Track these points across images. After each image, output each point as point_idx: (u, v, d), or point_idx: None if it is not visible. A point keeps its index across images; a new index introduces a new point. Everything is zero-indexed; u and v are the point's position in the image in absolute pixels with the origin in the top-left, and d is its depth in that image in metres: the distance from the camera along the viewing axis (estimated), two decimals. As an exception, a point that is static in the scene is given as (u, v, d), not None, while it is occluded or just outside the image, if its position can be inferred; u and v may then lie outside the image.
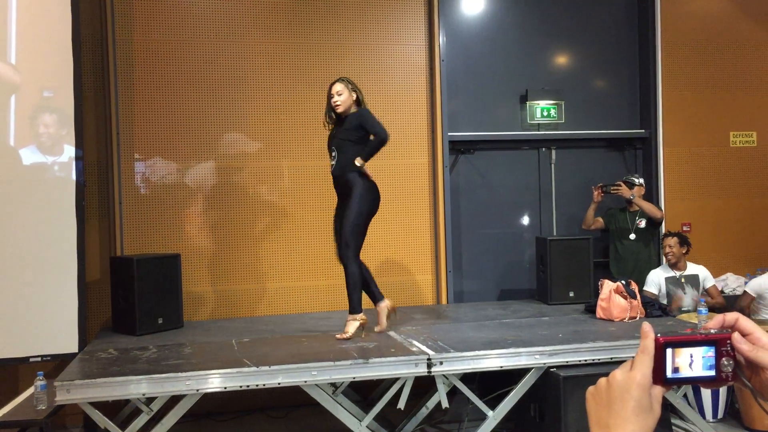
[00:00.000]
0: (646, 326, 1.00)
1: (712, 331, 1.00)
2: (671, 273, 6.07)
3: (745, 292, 5.97)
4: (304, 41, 6.29)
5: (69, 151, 5.26)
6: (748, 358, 0.97)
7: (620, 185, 6.42)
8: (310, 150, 6.27)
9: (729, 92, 7.19)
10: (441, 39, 6.48)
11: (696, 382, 1.00)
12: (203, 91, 6.08)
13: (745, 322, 0.99)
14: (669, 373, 0.98)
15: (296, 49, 6.27)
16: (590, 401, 1.02)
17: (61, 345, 5.14)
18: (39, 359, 5.11)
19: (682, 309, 5.96)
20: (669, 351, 0.98)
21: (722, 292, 6.48)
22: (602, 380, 1.01)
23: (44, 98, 5.25)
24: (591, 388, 1.03)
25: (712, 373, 0.98)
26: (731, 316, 1.01)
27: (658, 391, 0.98)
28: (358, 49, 6.40)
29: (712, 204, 7.15)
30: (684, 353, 0.98)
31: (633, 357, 1.00)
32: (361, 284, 4.95)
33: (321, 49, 6.32)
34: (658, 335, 0.98)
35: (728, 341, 0.98)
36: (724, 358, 0.98)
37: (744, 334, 0.99)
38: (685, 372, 0.98)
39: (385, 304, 5.06)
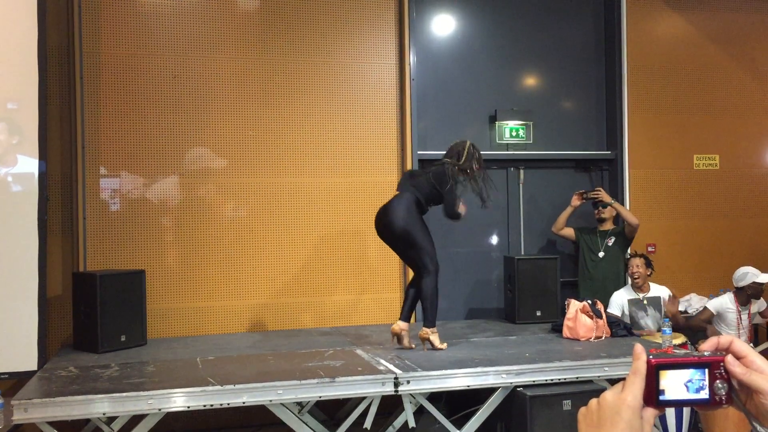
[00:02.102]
0: (639, 348, 0.99)
1: (706, 353, 0.98)
2: (634, 295, 6.10)
3: (705, 308, 6.04)
4: (273, 58, 6.28)
5: (32, 165, 5.17)
6: (742, 381, 0.96)
7: (600, 190, 6.53)
8: (277, 167, 6.25)
9: (693, 116, 7.34)
10: (411, 58, 6.52)
11: (689, 405, 0.98)
12: (170, 106, 6.03)
13: (739, 345, 0.98)
14: (661, 395, 0.96)
15: (265, 65, 6.26)
16: (581, 422, 1.01)
17: (19, 362, 5.01)
18: (-4, 377, 4.97)
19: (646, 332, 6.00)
20: (660, 373, 0.96)
21: (685, 312, 6.56)
22: (593, 401, 1.00)
23: (8, 110, 5.16)
24: (582, 409, 1.01)
25: (706, 395, 0.97)
26: (725, 339, 0.99)
27: (650, 413, 0.97)
28: (329, 66, 6.40)
29: (676, 225, 7.26)
30: (676, 375, 0.97)
31: (624, 378, 0.99)
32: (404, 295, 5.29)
33: (291, 65, 6.31)
34: (650, 357, 0.97)
35: (722, 364, 0.97)
36: (717, 381, 0.96)
37: (738, 357, 0.98)
38: (678, 394, 0.97)
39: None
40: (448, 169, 5.04)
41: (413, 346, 5.06)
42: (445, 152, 5.27)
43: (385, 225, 5.02)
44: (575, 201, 6.52)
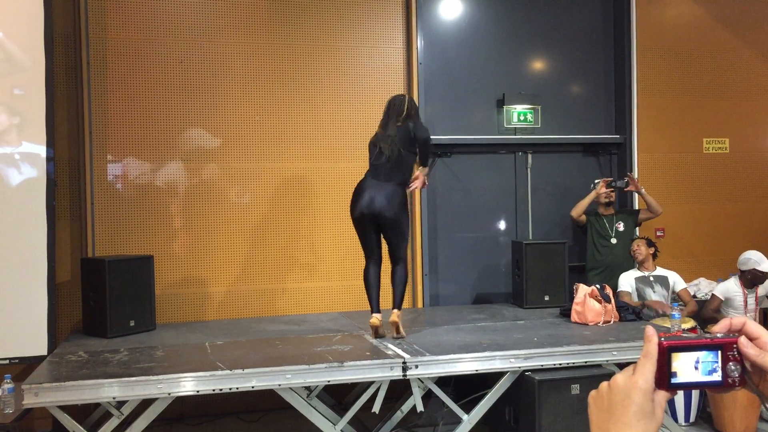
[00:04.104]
0: (650, 330, 0.98)
1: (719, 335, 0.97)
2: (640, 273, 6.16)
3: (713, 295, 6.05)
4: (280, 41, 6.25)
5: (40, 150, 5.17)
6: (755, 363, 0.95)
7: (629, 176, 6.55)
8: (284, 152, 6.24)
9: (703, 99, 7.28)
10: (419, 42, 6.48)
11: (701, 387, 0.97)
12: (177, 91, 6.02)
13: (752, 326, 0.97)
14: (673, 378, 0.95)
15: (272, 49, 6.23)
16: (592, 405, 1.00)
17: (29, 347, 5.04)
18: (7, 362, 5.01)
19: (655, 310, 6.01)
20: (672, 355, 0.95)
21: (695, 296, 6.54)
22: (604, 384, 0.99)
23: (15, 96, 5.16)
24: (593, 392, 1.01)
25: (719, 378, 0.96)
26: (738, 320, 0.98)
27: (661, 396, 0.96)
28: (336, 50, 6.37)
29: (685, 209, 7.22)
30: (688, 358, 0.96)
31: (635, 362, 0.98)
32: (367, 287, 5.03)
33: (297, 49, 6.28)
34: (662, 339, 0.96)
35: (735, 346, 0.96)
36: (731, 363, 0.95)
37: (751, 338, 0.96)
38: (690, 377, 0.96)
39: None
40: (424, 130, 5.14)
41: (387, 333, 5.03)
42: (393, 113, 5.07)
43: (379, 211, 4.85)
44: (602, 188, 6.47)
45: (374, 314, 4.95)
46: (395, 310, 4.94)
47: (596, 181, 6.63)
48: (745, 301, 5.92)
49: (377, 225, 4.95)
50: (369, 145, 5.14)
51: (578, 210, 6.52)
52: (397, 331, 4.93)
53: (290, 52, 6.27)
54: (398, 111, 5.05)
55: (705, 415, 5.66)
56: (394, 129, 4.99)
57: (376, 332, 4.95)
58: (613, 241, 6.45)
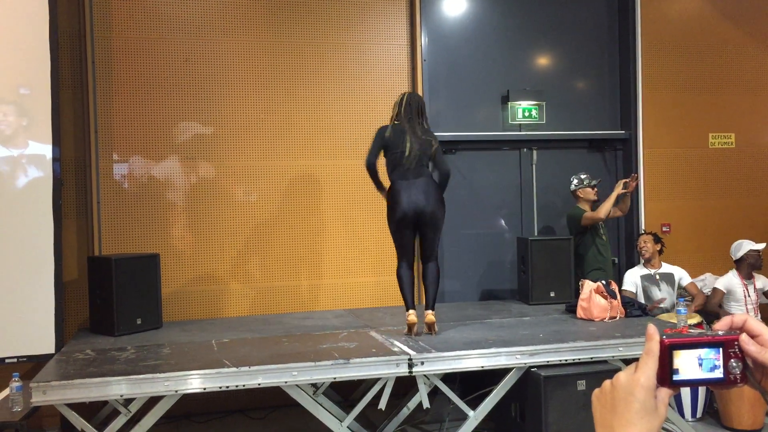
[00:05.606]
0: (651, 328, 0.99)
1: (720, 332, 0.98)
2: (646, 271, 6.15)
3: (715, 288, 6.04)
4: (285, 39, 6.26)
5: (46, 149, 5.19)
6: (757, 360, 0.96)
7: (634, 176, 6.50)
8: (289, 150, 6.25)
9: (708, 94, 7.26)
10: (423, 39, 6.47)
11: (704, 384, 0.98)
12: (182, 90, 6.03)
13: (753, 324, 0.98)
14: (675, 375, 0.96)
15: (277, 47, 6.24)
16: (595, 403, 1.01)
17: (37, 346, 5.07)
18: (15, 360, 5.03)
19: (661, 306, 6.01)
20: (674, 353, 0.96)
21: (701, 291, 6.53)
22: (607, 382, 1.00)
23: (20, 95, 5.18)
24: (596, 391, 1.02)
25: (720, 375, 0.96)
26: (739, 318, 0.99)
27: (664, 393, 0.96)
28: (340, 47, 6.37)
29: (691, 205, 7.20)
30: (690, 355, 0.97)
31: (638, 358, 0.98)
32: (403, 286, 5.00)
33: (302, 47, 6.29)
34: (663, 337, 0.97)
35: (736, 343, 0.96)
36: (732, 360, 0.96)
37: (752, 336, 0.97)
38: (692, 374, 0.97)
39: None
40: (447, 166, 5.16)
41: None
42: (407, 113, 5.06)
43: (422, 209, 4.88)
44: (619, 188, 6.39)
45: (410, 311, 4.93)
46: (430, 311, 4.93)
47: (581, 176, 6.52)
48: (746, 292, 5.93)
49: (417, 223, 4.96)
50: (386, 139, 5.02)
51: (606, 211, 6.21)
52: (431, 329, 4.94)
53: (295, 50, 6.27)
54: (419, 112, 5.07)
55: (712, 410, 5.66)
56: (421, 130, 5.02)
57: (411, 329, 4.90)
58: (604, 238, 6.43)
